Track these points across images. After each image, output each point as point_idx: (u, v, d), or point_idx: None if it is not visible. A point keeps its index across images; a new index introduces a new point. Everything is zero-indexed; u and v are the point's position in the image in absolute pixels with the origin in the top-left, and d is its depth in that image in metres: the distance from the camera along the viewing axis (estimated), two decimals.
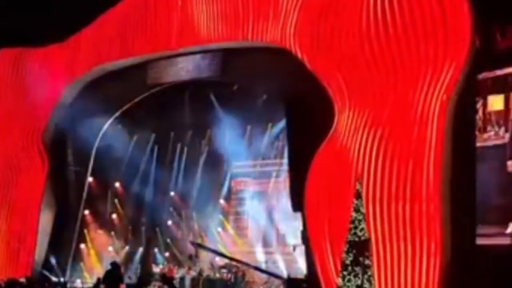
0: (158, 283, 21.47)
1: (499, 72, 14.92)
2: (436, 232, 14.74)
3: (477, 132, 15.05)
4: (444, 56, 15.15)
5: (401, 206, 15.18)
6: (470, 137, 15.03)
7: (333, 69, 17.13)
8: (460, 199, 14.84)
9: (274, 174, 25.95)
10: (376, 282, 14.13)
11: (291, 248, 22.24)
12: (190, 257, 24.78)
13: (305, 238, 17.63)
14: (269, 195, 26.03)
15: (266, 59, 19.36)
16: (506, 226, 14.36)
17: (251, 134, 25.35)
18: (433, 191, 14.84)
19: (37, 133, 24.01)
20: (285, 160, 22.18)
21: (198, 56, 21.21)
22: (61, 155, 24.23)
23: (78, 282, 24.17)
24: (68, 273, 24.03)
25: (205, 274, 23.18)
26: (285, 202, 21.56)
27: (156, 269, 24.70)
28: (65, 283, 23.29)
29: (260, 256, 25.26)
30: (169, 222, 27.84)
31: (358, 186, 13.95)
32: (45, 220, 23.29)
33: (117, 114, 23.88)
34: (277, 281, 21.20)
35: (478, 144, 14.94)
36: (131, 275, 23.86)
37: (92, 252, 25.52)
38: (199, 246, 24.75)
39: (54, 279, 23.14)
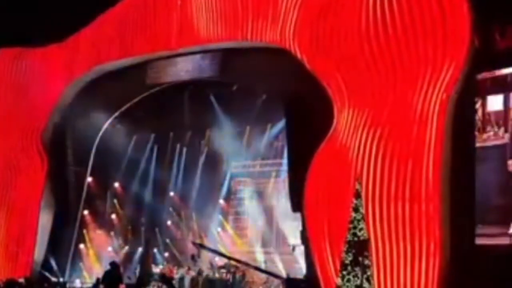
0: (157, 283, 21.45)
1: (499, 72, 14.93)
2: (435, 232, 14.74)
3: (476, 132, 15.05)
4: (443, 56, 15.15)
5: (400, 206, 15.18)
6: (469, 137, 15.04)
7: (333, 69, 17.13)
8: (460, 199, 14.83)
9: (273, 174, 25.97)
10: (375, 282, 14.12)
11: (291, 248, 22.22)
12: (193, 257, 24.73)
13: (305, 238, 17.63)
14: (268, 195, 26.04)
15: (265, 59, 19.36)
16: (507, 226, 14.36)
17: (250, 134, 25.35)
18: (433, 190, 14.84)
19: (36, 133, 23.99)
20: (285, 160, 22.20)
21: (197, 56, 21.22)
22: (61, 155, 24.20)
23: (77, 282, 24.15)
24: (67, 273, 23.99)
25: (204, 274, 23.15)
26: (285, 202, 21.56)
27: (156, 269, 24.65)
28: (64, 283, 23.27)
29: (259, 256, 25.25)
30: (169, 222, 27.85)
31: (357, 186, 13.94)
32: (45, 220, 23.26)
33: (116, 114, 23.88)
34: (276, 281, 21.15)
35: (478, 145, 14.93)
36: (130, 275, 23.81)
37: (91, 252, 25.50)
38: (201, 246, 24.70)
39: (53, 279, 23.12)
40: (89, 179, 24.80)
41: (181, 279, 23.04)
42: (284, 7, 18.57)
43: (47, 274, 23.10)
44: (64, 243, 23.98)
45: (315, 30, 17.69)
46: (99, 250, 25.66)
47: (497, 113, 14.94)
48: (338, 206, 15.75)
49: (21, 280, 20.99)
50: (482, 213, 14.67)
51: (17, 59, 25.09)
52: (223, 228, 27.26)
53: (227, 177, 27.26)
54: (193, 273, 23.22)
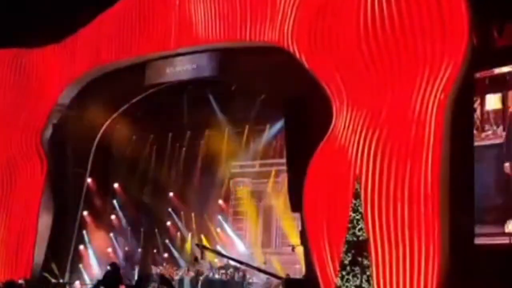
0: (157, 284, 21.42)
1: (497, 71, 14.90)
2: (434, 232, 14.70)
3: (475, 131, 15.02)
4: (441, 55, 15.12)
5: (399, 206, 15.16)
6: (468, 136, 15.00)
7: (331, 68, 17.10)
8: (459, 199, 14.80)
9: (272, 174, 25.94)
10: (374, 282, 14.10)
11: (290, 248, 22.19)
12: (196, 259, 24.65)
13: (304, 238, 17.60)
14: (267, 195, 26.02)
15: (264, 59, 19.30)
16: (502, 226, 14.34)
17: (249, 134, 25.35)
18: (432, 190, 14.81)
19: (35, 134, 23.94)
20: (284, 160, 22.16)
21: (196, 56, 21.19)
22: (60, 156, 24.15)
23: (77, 283, 24.08)
24: (67, 274, 23.95)
25: (204, 274, 23.13)
26: (284, 202, 21.54)
27: (155, 270, 24.64)
28: (64, 284, 23.24)
29: (259, 256, 25.23)
30: (168, 223, 27.82)
31: (356, 186, 13.92)
32: (44, 221, 23.20)
33: (115, 114, 23.86)
34: (276, 281, 21.15)
35: (476, 143, 14.90)
36: (130, 276, 23.80)
37: (91, 253, 25.47)
38: (204, 248, 24.62)
39: (53, 280, 23.08)
40: (89, 179, 24.78)
41: (181, 280, 23.03)
42: (282, 6, 18.54)
43: (47, 275, 23.07)
44: (63, 244, 23.94)
45: (314, 30, 17.66)
46: (99, 251, 25.64)
47: (495, 111, 14.90)
48: (337, 206, 15.73)
49: (21, 281, 20.93)
50: (481, 213, 14.64)
51: (16, 59, 25.02)
52: (223, 228, 27.24)
53: (226, 177, 27.25)
54: (192, 274, 23.21)
